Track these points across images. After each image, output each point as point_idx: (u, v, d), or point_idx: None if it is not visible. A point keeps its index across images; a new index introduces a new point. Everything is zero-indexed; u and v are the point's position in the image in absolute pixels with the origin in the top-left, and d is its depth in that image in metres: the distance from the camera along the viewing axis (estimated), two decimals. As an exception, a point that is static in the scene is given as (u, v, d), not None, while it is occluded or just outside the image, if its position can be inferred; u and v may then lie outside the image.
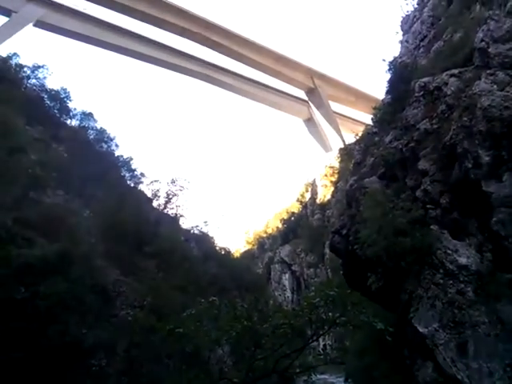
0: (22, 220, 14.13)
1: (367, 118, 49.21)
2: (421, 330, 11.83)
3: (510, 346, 10.29)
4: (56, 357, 9.15)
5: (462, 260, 12.27)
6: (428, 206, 14.11)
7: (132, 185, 32.67)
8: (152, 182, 29.39)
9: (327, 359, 8.62)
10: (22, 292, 9.72)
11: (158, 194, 28.21)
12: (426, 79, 16.26)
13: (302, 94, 62.01)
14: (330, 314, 6.58)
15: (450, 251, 12.60)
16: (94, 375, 9.46)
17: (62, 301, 9.90)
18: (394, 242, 12.90)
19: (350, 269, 16.89)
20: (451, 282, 12.03)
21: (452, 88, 14.59)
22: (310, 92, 60.54)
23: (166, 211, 27.56)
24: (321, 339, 32.68)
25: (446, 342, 11.22)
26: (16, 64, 30.55)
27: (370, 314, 6.87)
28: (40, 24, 43.37)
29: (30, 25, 42.44)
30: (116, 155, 34.98)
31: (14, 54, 31.28)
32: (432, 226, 13.42)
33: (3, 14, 40.73)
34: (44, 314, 9.58)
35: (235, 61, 55.02)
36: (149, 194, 29.19)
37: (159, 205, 27.88)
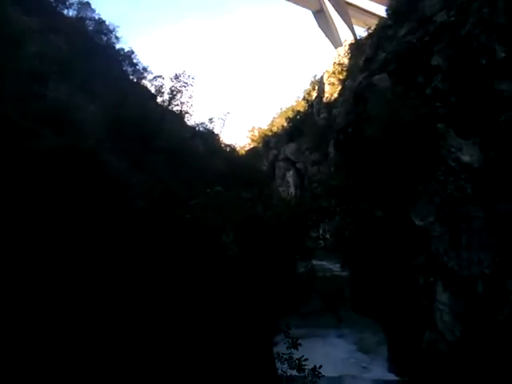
0: (26, 113, 14.10)
1: (382, 10, 46.06)
2: (417, 222, 12.45)
3: (502, 239, 10.88)
4: (69, 246, 9.67)
5: (465, 158, 12.46)
6: (437, 104, 13.93)
7: (135, 80, 31.79)
8: (155, 78, 28.54)
9: (326, 245, 9.19)
10: (34, 183, 9.94)
11: (162, 90, 27.52)
12: (446, -35, 14.97)
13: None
14: (332, 202, 6.89)
15: (453, 149, 12.74)
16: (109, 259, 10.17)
17: (72, 193, 10.24)
18: (399, 139, 12.97)
19: (352, 166, 17.19)
20: (452, 178, 12.34)
21: (475, -25, 13.53)
22: (322, -21, 55.80)
23: (170, 108, 27.19)
24: (321, 230, 34.50)
25: (441, 234, 11.87)
26: None
27: (370, 203, 7.21)
28: None
29: None
30: (117, 48, 33.53)
31: None
32: (439, 124, 13.38)
33: None
34: (55, 205, 9.93)
35: None
36: (152, 90, 28.56)
37: (163, 101, 27.40)
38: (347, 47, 41.79)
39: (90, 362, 7.24)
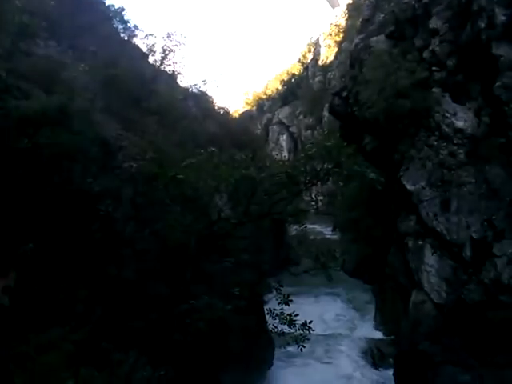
0: (15, 71, 13.71)
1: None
2: (408, 187, 12.57)
3: (491, 204, 11.06)
4: (63, 203, 9.65)
5: (459, 123, 12.46)
6: (433, 68, 13.77)
7: (125, 38, 30.84)
8: (147, 36, 27.62)
9: (317, 208, 9.25)
10: (25, 142, 9.81)
11: (154, 50, 26.71)
12: None
13: None
14: (325, 164, 6.90)
15: (448, 114, 12.71)
16: (102, 219, 10.16)
17: (64, 151, 10.11)
18: (394, 103, 12.88)
19: (347, 131, 17.13)
20: (445, 144, 12.38)
21: None
22: None
23: (162, 68, 26.53)
24: (313, 194, 34.60)
25: (431, 199, 12.04)
26: None
27: (363, 166, 7.23)
28: None
29: None
30: (107, 5, 32.34)
31: None
32: (434, 89, 13.28)
33: None
34: (48, 163, 9.85)
35: None
36: (144, 49, 27.78)
37: (155, 61, 26.69)
38: (345, 7, 40.77)
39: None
